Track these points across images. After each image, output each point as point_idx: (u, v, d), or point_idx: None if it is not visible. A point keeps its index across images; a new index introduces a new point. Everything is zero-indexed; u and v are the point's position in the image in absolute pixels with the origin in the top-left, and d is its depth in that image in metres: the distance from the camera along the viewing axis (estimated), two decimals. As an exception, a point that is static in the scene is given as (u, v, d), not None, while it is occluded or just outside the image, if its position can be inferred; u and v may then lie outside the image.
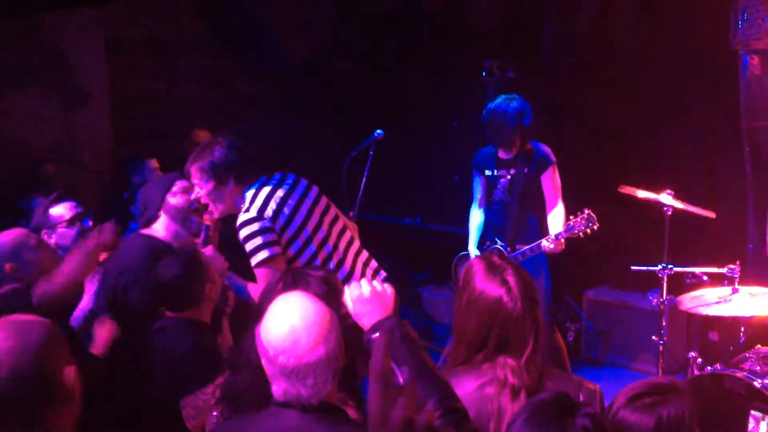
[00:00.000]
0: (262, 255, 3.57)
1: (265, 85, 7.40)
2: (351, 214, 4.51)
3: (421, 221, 7.29)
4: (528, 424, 1.92)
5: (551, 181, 4.93)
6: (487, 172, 5.08)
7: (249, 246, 3.59)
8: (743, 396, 3.88)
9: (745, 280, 4.33)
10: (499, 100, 4.94)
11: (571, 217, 4.69)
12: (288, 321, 2.06)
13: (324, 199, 3.84)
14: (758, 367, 3.96)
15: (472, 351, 2.39)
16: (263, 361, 2.12)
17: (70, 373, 2.15)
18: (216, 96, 7.13)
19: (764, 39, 5.37)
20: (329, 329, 2.09)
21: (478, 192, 5.18)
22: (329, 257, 3.73)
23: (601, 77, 6.25)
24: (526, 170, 4.93)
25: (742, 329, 4.23)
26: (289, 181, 3.76)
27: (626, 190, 4.52)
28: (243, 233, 3.60)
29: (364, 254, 3.93)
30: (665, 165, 5.76)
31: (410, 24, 7.28)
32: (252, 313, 2.72)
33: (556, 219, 4.87)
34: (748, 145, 5.54)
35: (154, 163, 6.06)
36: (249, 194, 3.68)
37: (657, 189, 4.52)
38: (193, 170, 3.71)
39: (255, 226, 3.59)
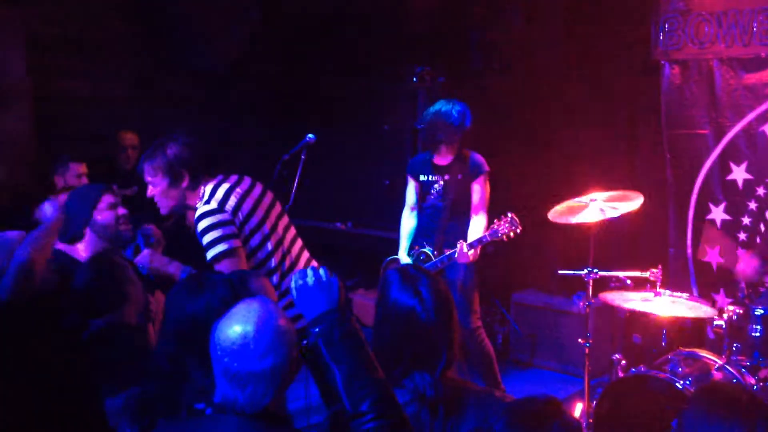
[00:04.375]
0: (222, 247, 3.50)
1: (193, 86, 7.26)
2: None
3: (352, 226, 7.28)
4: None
5: (480, 189, 4.96)
6: (422, 178, 5.11)
7: (208, 238, 3.51)
8: (665, 396, 3.99)
9: (666, 283, 4.46)
10: (440, 103, 5.00)
11: (495, 220, 4.74)
12: (243, 325, 2.05)
13: (278, 205, 3.84)
14: (680, 369, 4.07)
15: (389, 365, 2.32)
16: (212, 357, 2.08)
17: None
18: (142, 97, 6.96)
19: (684, 49, 5.54)
20: (282, 342, 2.06)
21: (411, 197, 5.20)
22: (283, 258, 3.73)
23: (528, 84, 6.36)
24: (459, 176, 4.97)
25: (664, 331, 4.33)
26: (247, 182, 3.74)
27: (556, 217, 4.53)
28: (202, 225, 3.53)
29: (313, 264, 3.94)
30: (590, 170, 5.87)
31: (341, 27, 7.27)
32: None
33: (475, 229, 4.89)
34: (669, 152, 5.71)
35: (81, 168, 5.69)
36: (208, 188, 3.62)
37: (581, 192, 4.59)
38: (147, 168, 3.63)
39: (216, 218, 3.52)
